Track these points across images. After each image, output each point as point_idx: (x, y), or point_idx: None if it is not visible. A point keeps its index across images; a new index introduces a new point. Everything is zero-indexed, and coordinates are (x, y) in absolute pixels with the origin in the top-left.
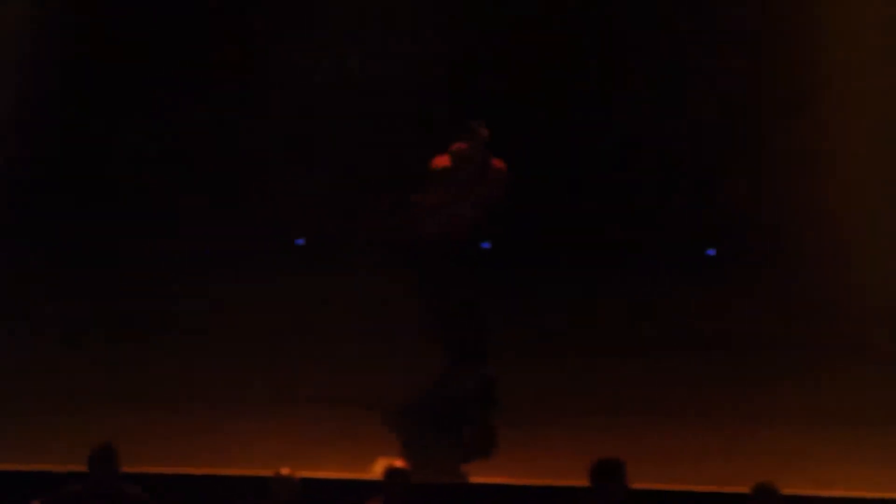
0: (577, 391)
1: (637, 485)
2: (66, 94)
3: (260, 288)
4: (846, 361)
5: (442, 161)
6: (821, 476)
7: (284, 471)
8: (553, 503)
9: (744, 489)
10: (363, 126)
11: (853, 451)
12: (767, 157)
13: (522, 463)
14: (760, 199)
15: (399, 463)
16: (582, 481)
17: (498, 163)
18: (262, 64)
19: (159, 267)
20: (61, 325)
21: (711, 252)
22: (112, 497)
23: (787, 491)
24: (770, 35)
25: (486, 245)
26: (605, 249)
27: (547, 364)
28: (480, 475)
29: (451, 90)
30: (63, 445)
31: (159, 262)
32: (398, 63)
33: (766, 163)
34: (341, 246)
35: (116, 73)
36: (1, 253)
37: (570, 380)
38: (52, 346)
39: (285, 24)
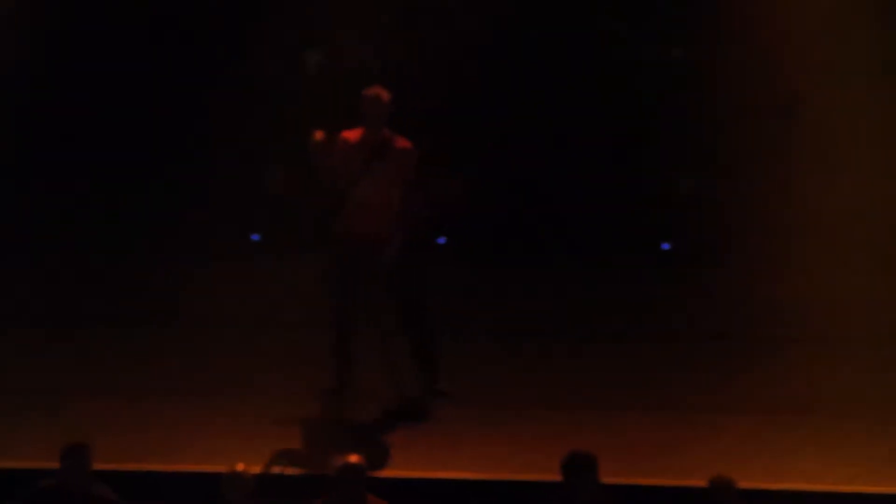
0: (540, 385)
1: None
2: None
3: (217, 281)
4: (804, 353)
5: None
6: (777, 469)
7: (239, 467)
8: (521, 498)
9: (701, 482)
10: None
11: (810, 443)
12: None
13: (486, 457)
14: (713, 197)
15: (354, 458)
16: (546, 475)
17: (403, 142)
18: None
19: (124, 260)
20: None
21: (666, 246)
22: (82, 496)
23: (744, 484)
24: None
25: (442, 240)
26: (569, 245)
27: (512, 357)
28: (442, 469)
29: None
30: (22, 441)
31: (124, 256)
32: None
33: (723, 161)
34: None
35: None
36: None
37: (533, 373)
38: (14, 340)
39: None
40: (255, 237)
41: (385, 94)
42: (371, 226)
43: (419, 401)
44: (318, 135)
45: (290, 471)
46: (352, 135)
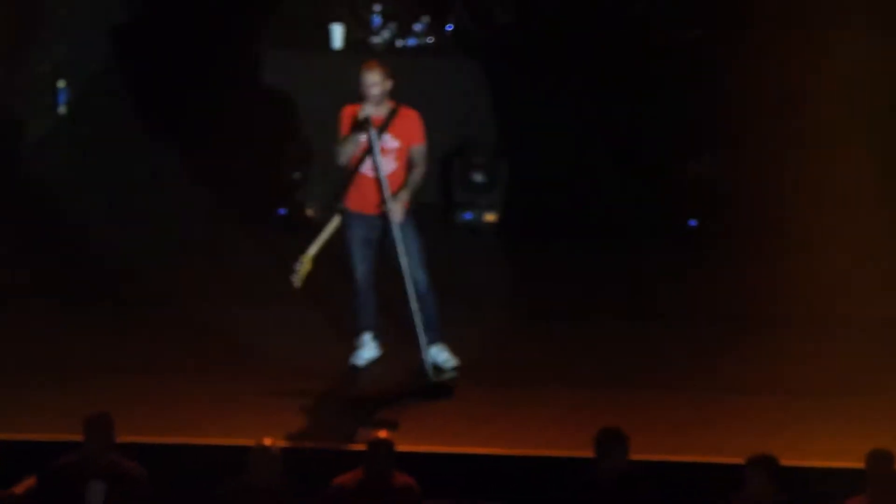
0: (564, 363)
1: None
2: None
3: (244, 255)
4: (828, 333)
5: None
6: (805, 446)
7: (266, 441)
8: (545, 474)
9: (738, 460)
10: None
11: (838, 420)
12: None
13: (512, 433)
14: (737, 174)
15: (383, 433)
16: (570, 452)
17: (407, 111)
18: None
19: (143, 234)
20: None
21: (693, 223)
22: (108, 470)
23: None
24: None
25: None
26: (597, 222)
27: (536, 336)
28: (467, 445)
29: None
30: (47, 414)
31: (143, 230)
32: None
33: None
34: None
35: None
36: None
37: (558, 352)
38: (34, 314)
39: None
40: (282, 211)
41: (378, 67)
42: (381, 198)
43: (445, 377)
44: (352, 110)
45: (317, 445)
46: (357, 110)
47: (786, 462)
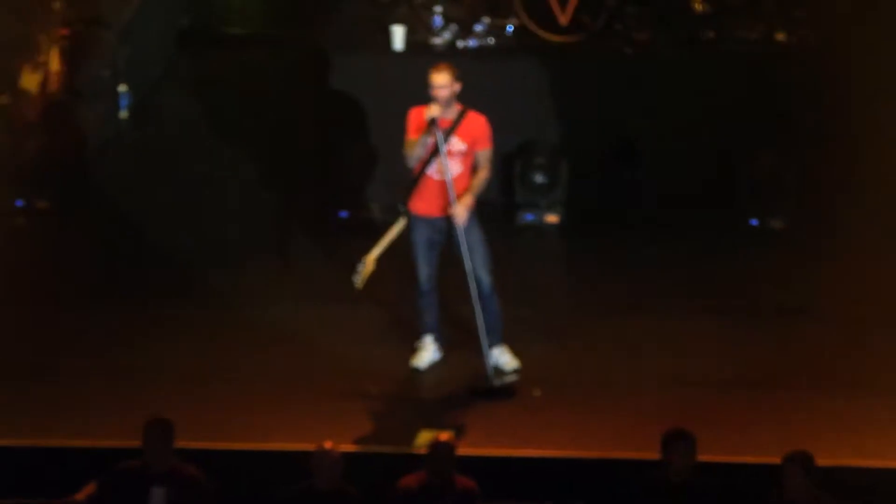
0: (627, 362)
1: None
2: None
3: (305, 257)
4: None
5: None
6: (863, 447)
7: (327, 444)
8: (610, 476)
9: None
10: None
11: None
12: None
13: (574, 435)
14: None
15: (444, 436)
16: (635, 453)
17: (475, 115)
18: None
19: (205, 237)
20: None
21: (754, 222)
22: (169, 475)
23: (824, 461)
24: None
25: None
26: (657, 221)
27: (603, 334)
28: (529, 447)
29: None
30: (105, 419)
31: (205, 233)
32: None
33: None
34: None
35: None
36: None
37: (619, 351)
38: (93, 323)
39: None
40: (344, 214)
41: (447, 70)
42: (446, 200)
43: (505, 379)
44: (419, 112)
45: (379, 449)
46: (424, 112)
47: (848, 461)
